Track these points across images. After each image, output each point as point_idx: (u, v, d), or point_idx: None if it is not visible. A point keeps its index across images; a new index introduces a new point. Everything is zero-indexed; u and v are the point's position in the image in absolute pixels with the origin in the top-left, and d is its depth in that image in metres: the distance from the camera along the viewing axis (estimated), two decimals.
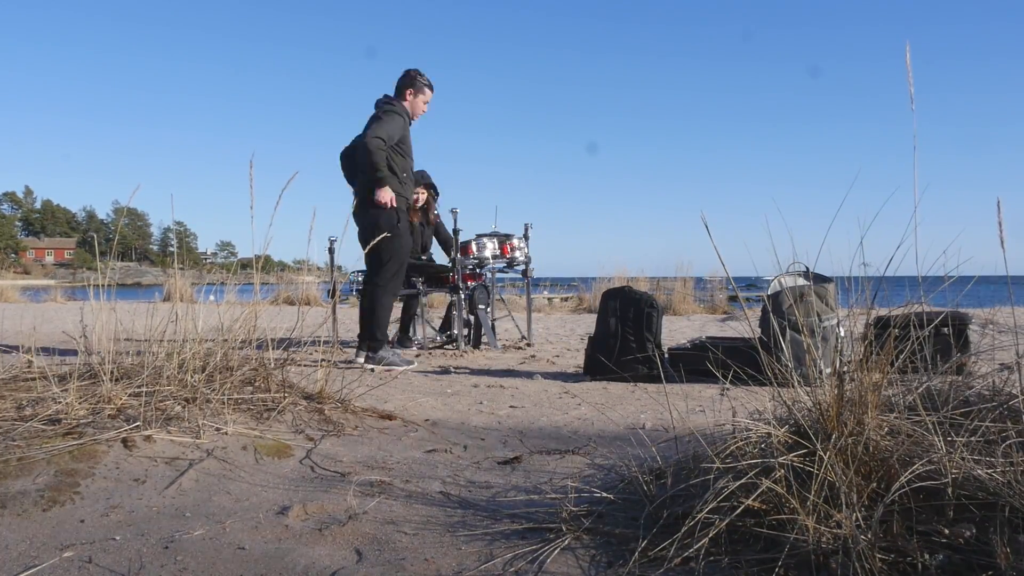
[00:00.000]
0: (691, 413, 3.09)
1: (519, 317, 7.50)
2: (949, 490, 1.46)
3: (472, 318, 6.11)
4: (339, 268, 6.21)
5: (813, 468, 1.52)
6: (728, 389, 2.15)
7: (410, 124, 5.13)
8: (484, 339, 6.11)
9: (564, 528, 1.67)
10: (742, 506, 1.50)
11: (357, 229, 5.04)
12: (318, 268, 6.96)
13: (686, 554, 1.47)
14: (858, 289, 2.00)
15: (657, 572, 1.46)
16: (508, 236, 6.42)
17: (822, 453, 1.53)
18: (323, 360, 3.11)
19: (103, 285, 3.09)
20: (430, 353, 5.78)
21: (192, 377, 2.71)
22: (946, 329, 3.73)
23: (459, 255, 6.04)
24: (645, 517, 1.66)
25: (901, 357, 1.82)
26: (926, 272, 1.92)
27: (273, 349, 3.06)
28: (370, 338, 4.93)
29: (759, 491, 1.51)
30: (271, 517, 1.84)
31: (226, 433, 2.43)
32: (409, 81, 5.12)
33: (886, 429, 1.64)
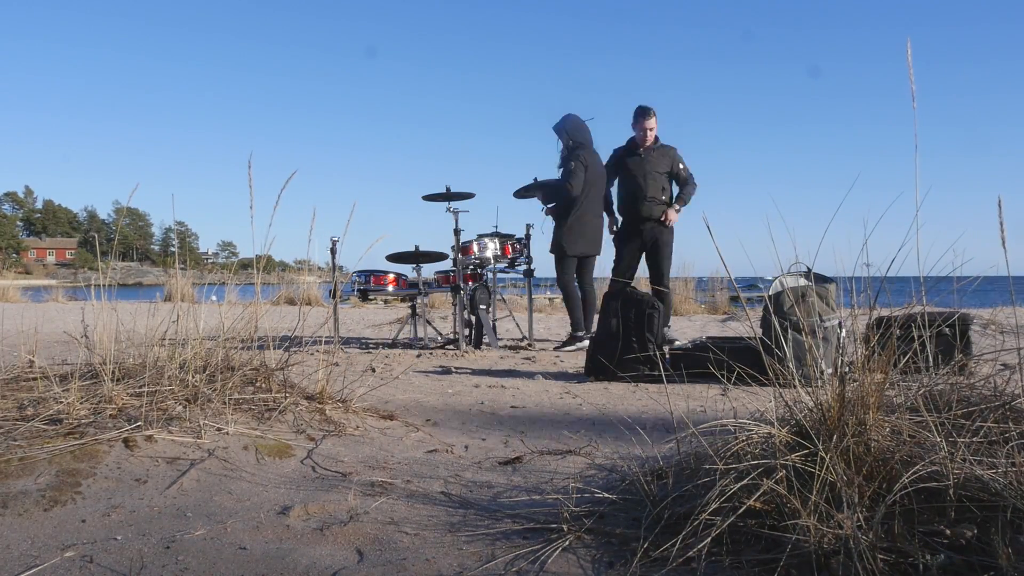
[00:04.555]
0: (692, 413, 3.08)
1: (520, 317, 7.49)
2: (951, 491, 1.45)
3: (473, 318, 6.10)
4: (340, 268, 6.20)
5: (814, 468, 1.52)
6: (729, 389, 2.15)
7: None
8: (485, 339, 6.11)
9: (565, 528, 1.67)
10: (744, 506, 1.49)
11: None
12: (319, 268, 6.96)
13: (688, 554, 1.47)
14: (860, 289, 1.99)
15: (659, 572, 1.46)
16: (509, 236, 6.42)
17: (823, 454, 1.53)
18: (324, 360, 3.11)
19: (104, 285, 3.10)
20: (431, 353, 5.78)
21: (193, 377, 2.71)
22: (948, 329, 3.73)
23: (460, 255, 6.04)
24: (647, 517, 1.66)
25: (904, 359, 1.82)
26: (927, 272, 1.92)
27: (274, 349, 3.06)
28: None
29: (761, 491, 1.51)
30: (272, 517, 1.84)
31: (227, 433, 2.43)
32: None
33: (888, 429, 1.64)
